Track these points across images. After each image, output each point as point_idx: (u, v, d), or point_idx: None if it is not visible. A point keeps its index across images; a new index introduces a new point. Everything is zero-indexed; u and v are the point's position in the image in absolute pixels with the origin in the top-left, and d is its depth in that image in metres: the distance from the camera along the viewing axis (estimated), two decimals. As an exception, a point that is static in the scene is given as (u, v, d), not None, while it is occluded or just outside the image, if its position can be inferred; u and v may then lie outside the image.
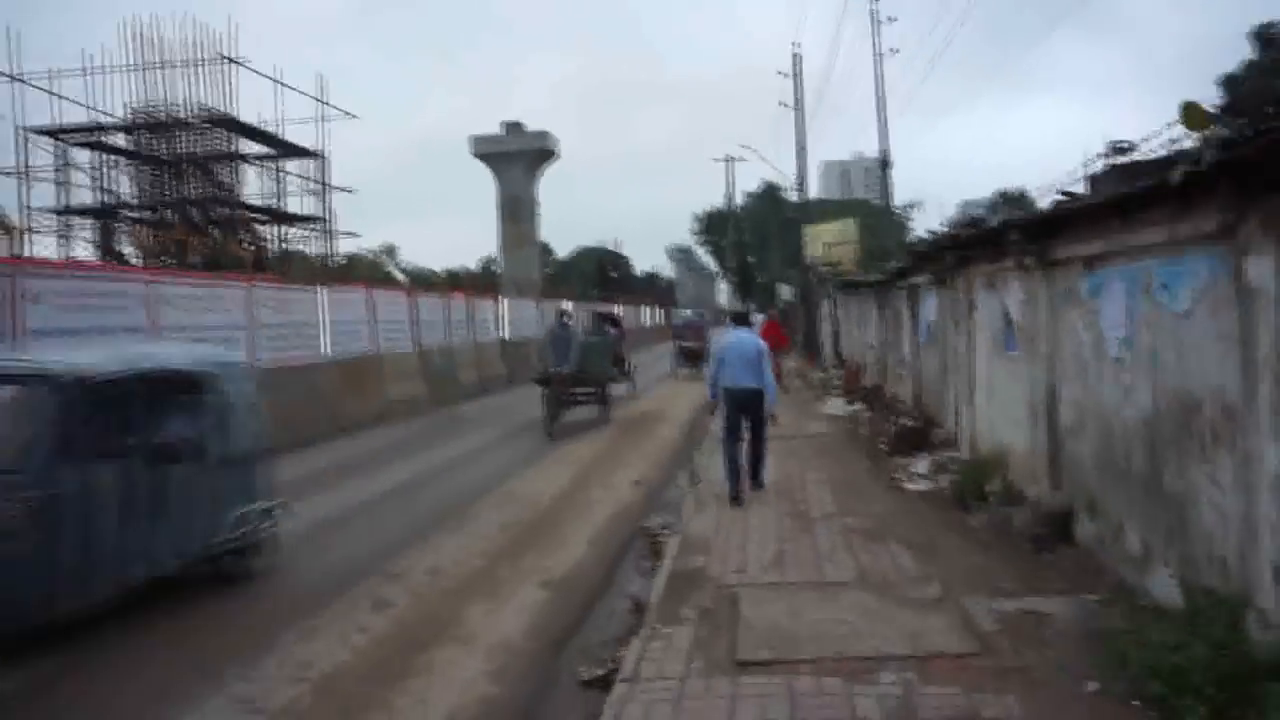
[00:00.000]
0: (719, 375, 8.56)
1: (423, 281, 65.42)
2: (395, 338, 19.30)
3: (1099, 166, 6.28)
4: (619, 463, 11.87)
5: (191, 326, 12.37)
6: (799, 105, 29.66)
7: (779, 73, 31.86)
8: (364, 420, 16.60)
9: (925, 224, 53.31)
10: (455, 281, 72.85)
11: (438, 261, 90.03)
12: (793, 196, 55.02)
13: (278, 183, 24.39)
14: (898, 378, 13.29)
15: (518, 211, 55.38)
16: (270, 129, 24.31)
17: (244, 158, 23.99)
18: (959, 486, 8.12)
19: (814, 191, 31.64)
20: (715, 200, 78.30)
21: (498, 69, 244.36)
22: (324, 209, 25.66)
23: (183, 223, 21.91)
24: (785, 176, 34.86)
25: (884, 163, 27.13)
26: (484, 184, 58.04)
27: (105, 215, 22.78)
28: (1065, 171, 13.26)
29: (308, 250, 26.09)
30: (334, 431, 15.39)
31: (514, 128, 55.14)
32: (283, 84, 23.21)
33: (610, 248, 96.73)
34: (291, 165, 25.60)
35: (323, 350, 15.79)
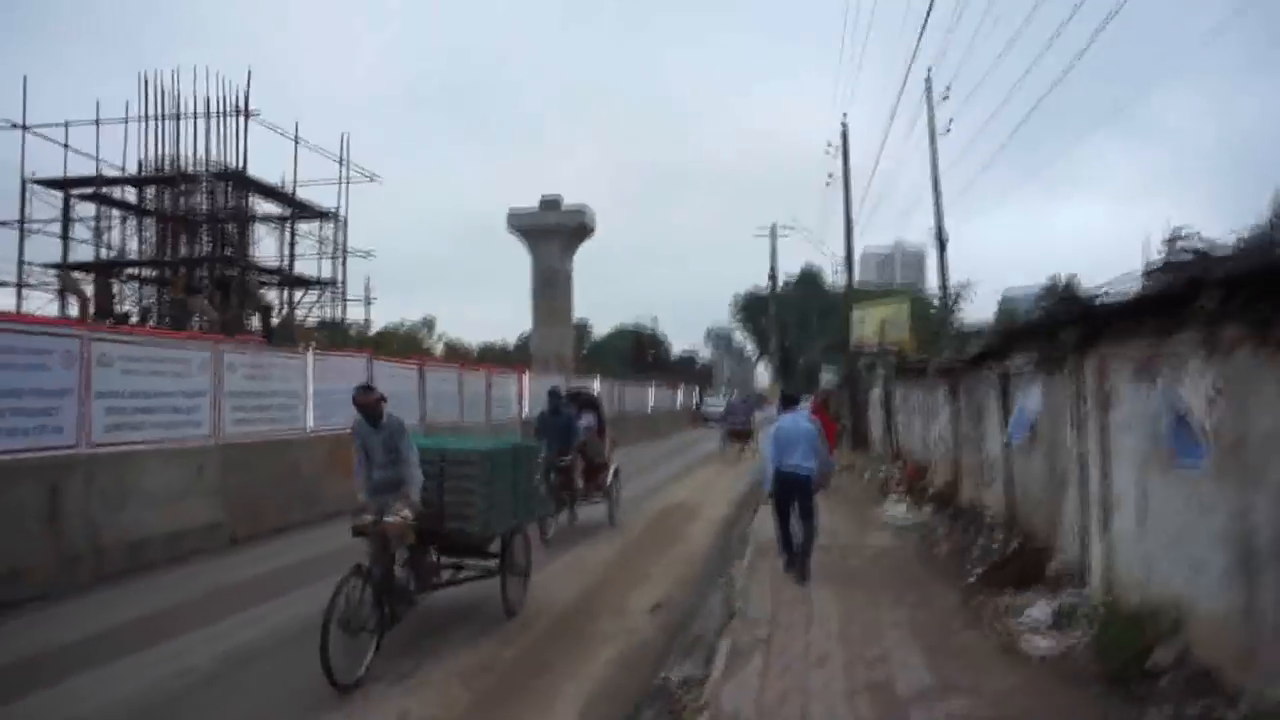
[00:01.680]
0: (775, 457, 8.79)
1: (460, 356, 64.36)
2: (397, 410, 17.32)
3: (1159, 255, 5.85)
4: (634, 577, 9.60)
5: (139, 392, 10.49)
6: (847, 179, 27.93)
7: (827, 146, 30.35)
8: (353, 504, 14.52)
9: (973, 313, 51.11)
10: (490, 356, 71.89)
11: (475, 336, 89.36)
12: (833, 280, 53.18)
13: (290, 244, 22.93)
14: (979, 482, 10.93)
15: (552, 287, 54.14)
16: (287, 190, 23.05)
17: (254, 217, 22.64)
18: (1103, 650, 5.77)
19: (855, 277, 29.72)
20: (756, 281, 76.95)
21: (538, 150, 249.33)
22: (337, 272, 24.13)
23: (183, 282, 20.39)
24: (828, 252, 32.91)
25: (941, 241, 25.07)
26: (522, 260, 57.23)
27: (104, 270, 21.39)
28: (1108, 264, 11.13)
29: (314, 315, 24.53)
30: (313, 517, 13.34)
31: (551, 203, 54.34)
32: (300, 141, 21.98)
33: (647, 327, 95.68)
34: (308, 228, 24.24)
35: (305, 424, 13.84)
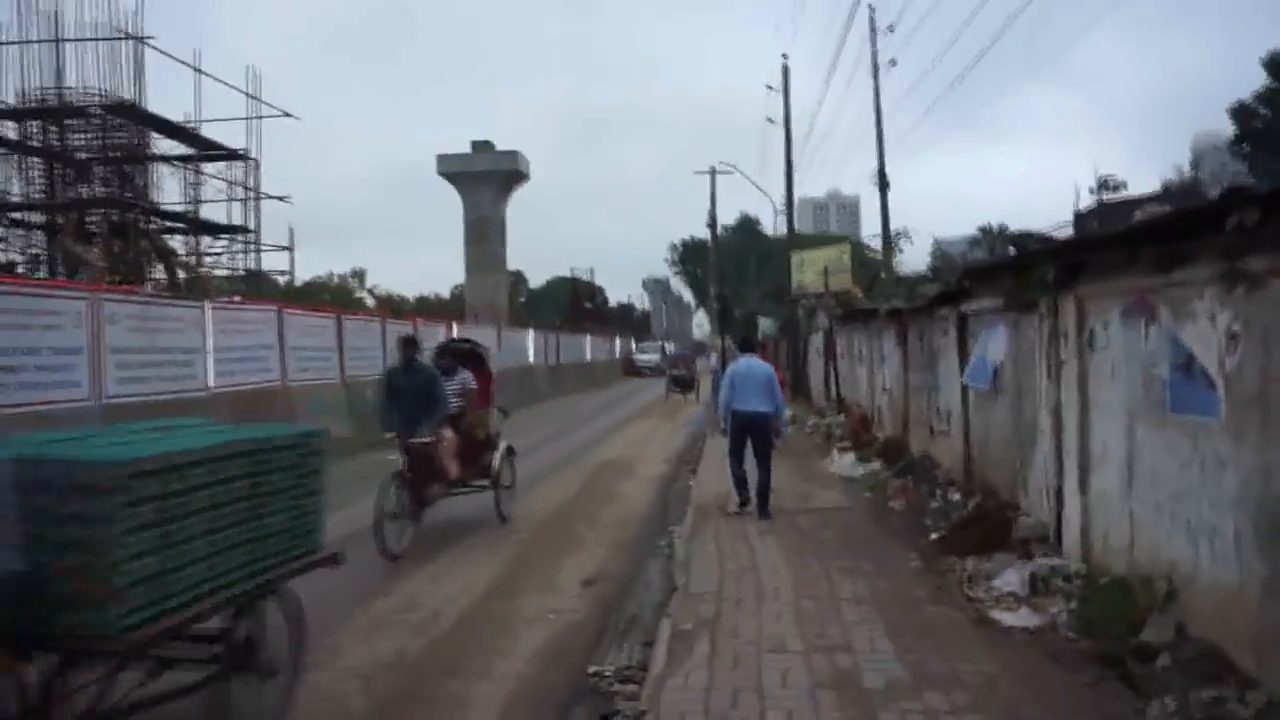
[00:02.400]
0: (730, 399, 9.02)
1: (393, 308, 62.25)
2: (314, 367, 16.15)
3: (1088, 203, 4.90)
4: (566, 545, 8.79)
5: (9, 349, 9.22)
6: (787, 120, 27.03)
7: (767, 88, 29.28)
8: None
9: (908, 261, 51.13)
10: (425, 308, 69.74)
11: (410, 288, 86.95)
12: (773, 227, 52.56)
13: (195, 186, 21.10)
14: (933, 434, 10.34)
15: (485, 234, 52.32)
16: (190, 127, 21.21)
17: (153, 156, 20.76)
18: (1088, 623, 5.15)
19: (787, 235, 29.12)
20: (694, 230, 76.11)
21: (470, 94, 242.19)
22: (250, 218, 22.42)
23: (74, 227, 18.58)
24: (769, 197, 32.02)
25: (883, 183, 24.48)
26: (455, 208, 55.10)
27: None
28: (1037, 212, 10.60)
29: (226, 265, 22.82)
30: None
31: (482, 146, 52.27)
32: (203, 73, 20.12)
33: (584, 277, 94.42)
34: (216, 170, 22.42)
35: (205, 381, 12.61)
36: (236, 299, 18.37)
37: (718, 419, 9.18)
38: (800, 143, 30.53)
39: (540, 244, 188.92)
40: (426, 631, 6.18)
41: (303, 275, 70.79)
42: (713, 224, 44.44)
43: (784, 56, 28.19)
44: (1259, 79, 33.73)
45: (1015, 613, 5.52)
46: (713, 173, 40.36)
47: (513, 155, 52.12)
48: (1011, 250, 7.44)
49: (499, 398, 10.51)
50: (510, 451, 9.98)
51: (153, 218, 21.19)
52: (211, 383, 12.67)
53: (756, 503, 8.95)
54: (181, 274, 21.29)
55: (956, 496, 8.43)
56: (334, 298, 63.46)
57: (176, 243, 21.92)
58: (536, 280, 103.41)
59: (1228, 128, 34.05)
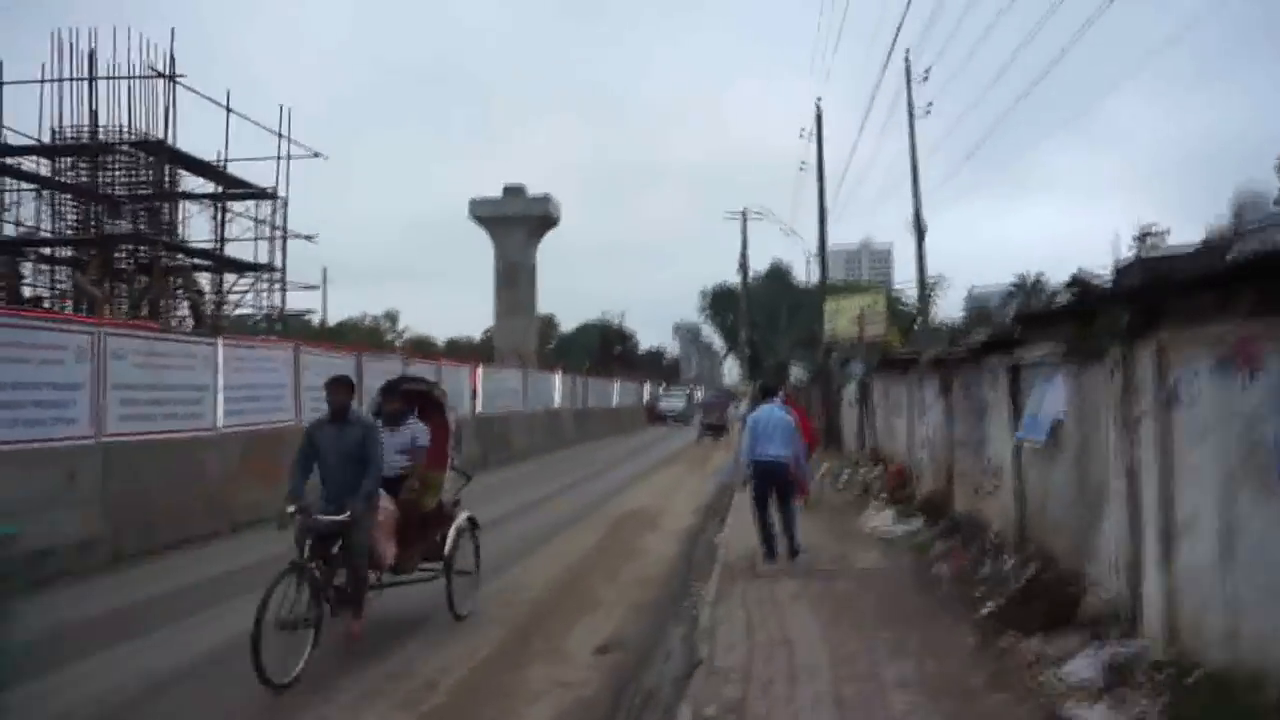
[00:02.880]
0: (751, 447, 8.94)
1: (423, 350, 62.15)
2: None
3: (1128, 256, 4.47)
4: (582, 605, 8.10)
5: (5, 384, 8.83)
6: (820, 162, 26.58)
7: (800, 131, 28.90)
8: (272, 511, 12.86)
9: (942, 311, 50.20)
10: (456, 351, 69.64)
11: (441, 330, 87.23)
12: (804, 277, 51.89)
13: (221, 223, 20.99)
14: (979, 492, 9.56)
15: (515, 279, 52.44)
16: (218, 165, 21.19)
17: (180, 194, 20.71)
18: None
19: (819, 281, 28.54)
20: (725, 277, 75.76)
21: (503, 142, 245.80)
22: (275, 256, 22.26)
23: (99, 264, 18.48)
24: (801, 240, 31.42)
25: (919, 229, 23.84)
26: (486, 252, 55.25)
27: (10, 249, 19.39)
28: (1071, 264, 10.02)
29: (250, 303, 22.62)
30: (223, 528, 11.70)
31: (514, 192, 52.61)
32: (232, 111, 20.12)
33: (615, 322, 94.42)
34: (243, 209, 22.36)
35: (213, 421, 12.16)
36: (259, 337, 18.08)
37: (743, 465, 9.15)
38: (833, 188, 30.07)
39: (572, 290, 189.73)
40: (418, 705, 5.53)
41: (335, 316, 71.48)
42: (744, 268, 43.95)
43: (817, 100, 27.78)
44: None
45: (1093, 709, 4.75)
46: (744, 216, 40.01)
47: (544, 200, 52.40)
48: (1071, 293, 6.75)
49: (463, 450, 8.41)
50: (473, 525, 7.64)
51: (179, 255, 21.09)
52: (220, 422, 12.22)
53: (787, 543, 8.92)
54: (209, 311, 21.13)
55: (1010, 563, 7.63)
56: (366, 339, 63.61)
57: (203, 281, 21.77)
58: (568, 325, 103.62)
59: (1273, 181, 33.03)
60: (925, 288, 24.10)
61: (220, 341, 12.49)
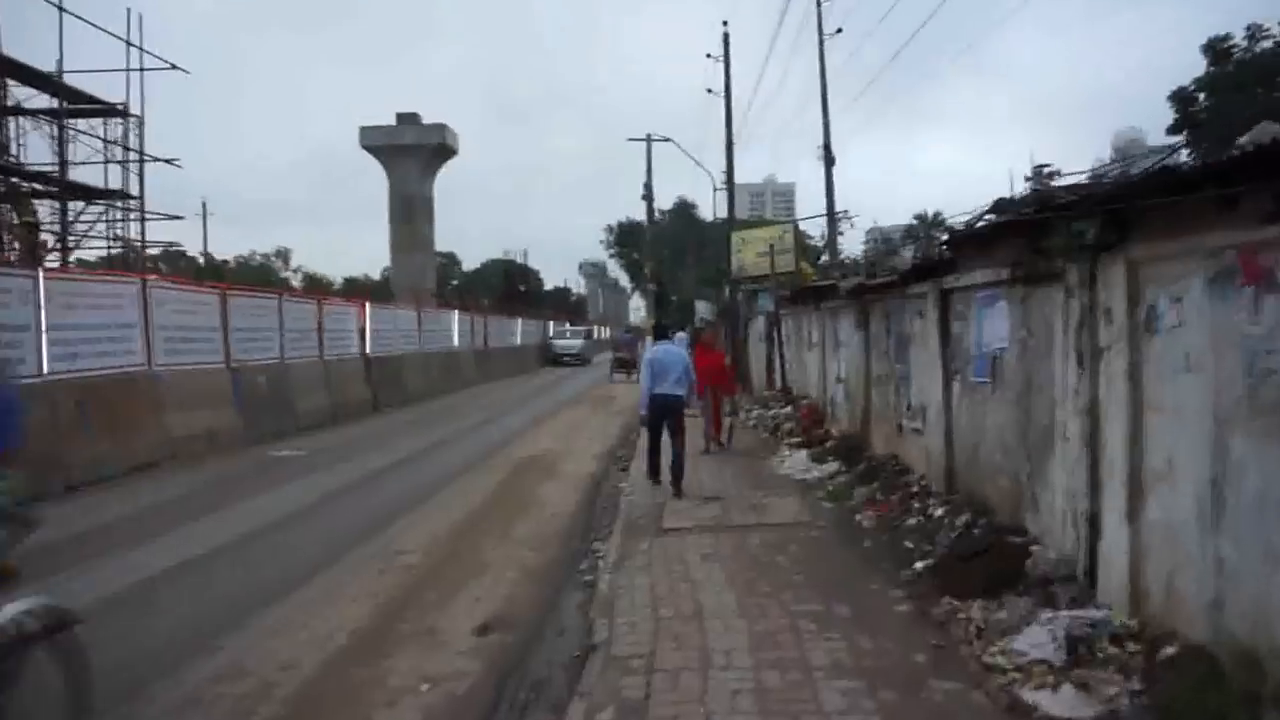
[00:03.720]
0: (650, 383, 9.40)
1: (320, 289, 58.86)
2: (189, 350, 14.02)
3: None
4: (465, 570, 7.06)
5: None
6: (728, 88, 25.47)
7: (707, 55, 27.68)
8: (121, 467, 11.37)
9: (846, 247, 50.24)
10: (355, 290, 66.32)
11: (338, 269, 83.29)
12: (710, 213, 51.09)
13: (61, 142, 18.45)
14: (902, 432, 8.88)
15: (411, 212, 49.74)
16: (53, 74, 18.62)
17: (16, 109, 18.12)
18: (1166, 716, 3.66)
19: (727, 211, 27.59)
20: (632, 214, 74.55)
21: (397, 69, 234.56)
22: (131, 183, 19.91)
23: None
24: (708, 172, 30.29)
25: (828, 158, 23.12)
26: (381, 186, 52.14)
27: None
28: (973, 201, 9.42)
29: (105, 235, 20.23)
30: (54, 491, 10.15)
31: (408, 119, 49.63)
32: (64, 10, 17.54)
33: (519, 260, 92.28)
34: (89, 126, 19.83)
35: (35, 365, 10.47)
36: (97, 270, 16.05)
37: (642, 401, 9.60)
38: (740, 117, 29.03)
39: (474, 226, 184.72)
40: (247, 716, 4.42)
41: (219, 254, 67.16)
42: (648, 195, 42.57)
43: (724, 24, 26.52)
44: (1199, 66, 33.38)
45: (1057, 694, 4.00)
46: (648, 140, 38.60)
47: (440, 129, 49.62)
48: (1023, 205, 5.88)
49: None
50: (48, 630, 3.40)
51: (11, 178, 18.59)
52: (45, 368, 10.53)
53: (673, 481, 9.28)
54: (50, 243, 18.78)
55: (939, 512, 6.94)
56: (255, 280, 59.96)
57: (41, 210, 19.30)
58: (470, 263, 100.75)
59: (1161, 120, 33.48)
60: (834, 218, 23.47)
61: (40, 273, 10.69)
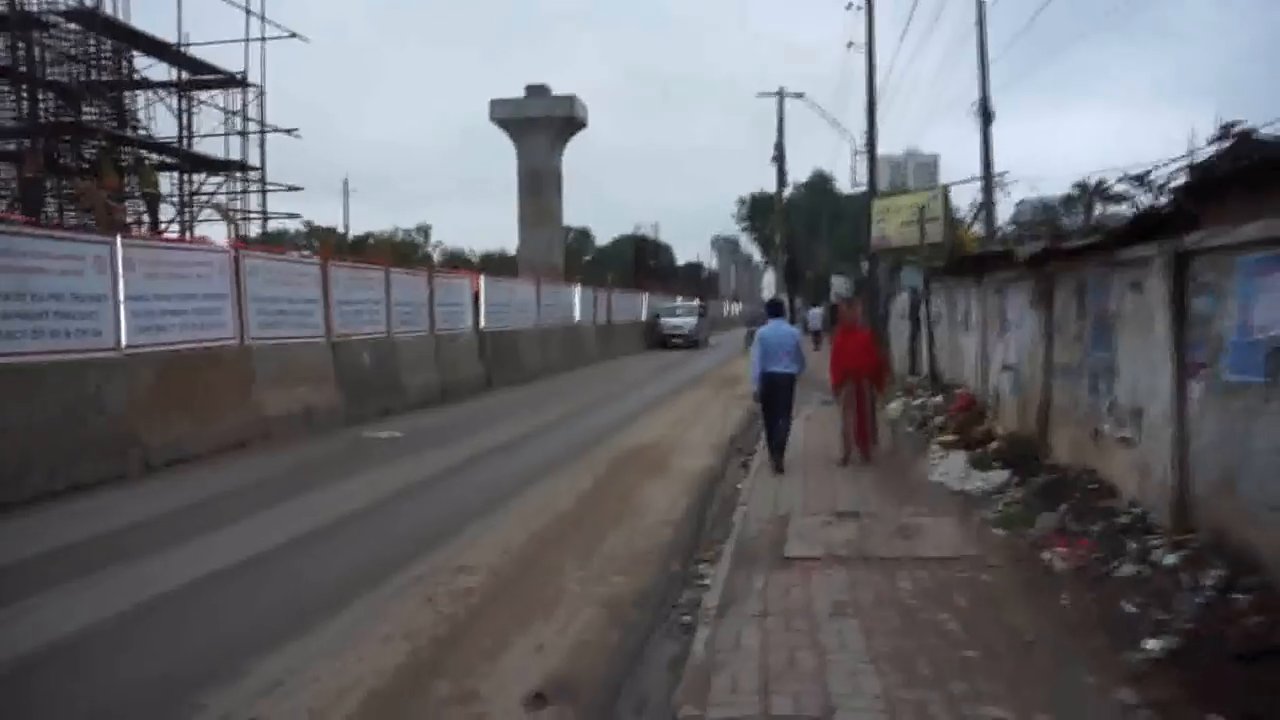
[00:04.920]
0: (762, 362, 9.26)
1: (456, 265, 59.45)
2: (287, 323, 13.30)
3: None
4: (532, 603, 5.65)
5: None
6: (871, 42, 23.06)
7: (847, 6, 25.19)
8: (204, 448, 10.69)
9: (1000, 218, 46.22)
10: (492, 265, 66.77)
11: (476, 244, 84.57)
12: (848, 184, 48.11)
13: (182, 113, 18.31)
14: (1098, 439, 6.88)
15: (539, 186, 49.21)
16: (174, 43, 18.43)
17: (142, 82, 18.05)
18: None
19: (867, 177, 25.10)
20: (762, 186, 72.05)
21: (531, 50, 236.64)
22: (251, 153, 19.66)
23: (32, 159, 16.03)
24: (847, 134, 27.81)
25: (985, 114, 20.51)
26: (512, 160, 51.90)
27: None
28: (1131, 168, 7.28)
29: (226, 203, 20.07)
30: (128, 472, 9.51)
31: (537, 91, 48.99)
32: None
33: (651, 235, 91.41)
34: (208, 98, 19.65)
35: (113, 339, 9.81)
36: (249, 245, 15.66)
37: (754, 380, 9.40)
38: (879, 83, 26.42)
39: (608, 202, 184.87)
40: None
41: (356, 230, 69.13)
42: (779, 156, 40.02)
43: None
44: None
45: None
46: (780, 95, 36.18)
47: (569, 100, 48.69)
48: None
49: None
50: None
51: (139, 150, 18.58)
52: (123, 341, 9.86)
53: (771, 452, 9.29)
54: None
55: (1169, 559, 5.01)
56: (398, 256, 61.26)
57: (164, 181, 19.26)
58: (604, 239, 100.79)
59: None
60: (991, 181, 20.83)
61: (119, 240, 10.00)
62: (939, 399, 12.61)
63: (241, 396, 11.90)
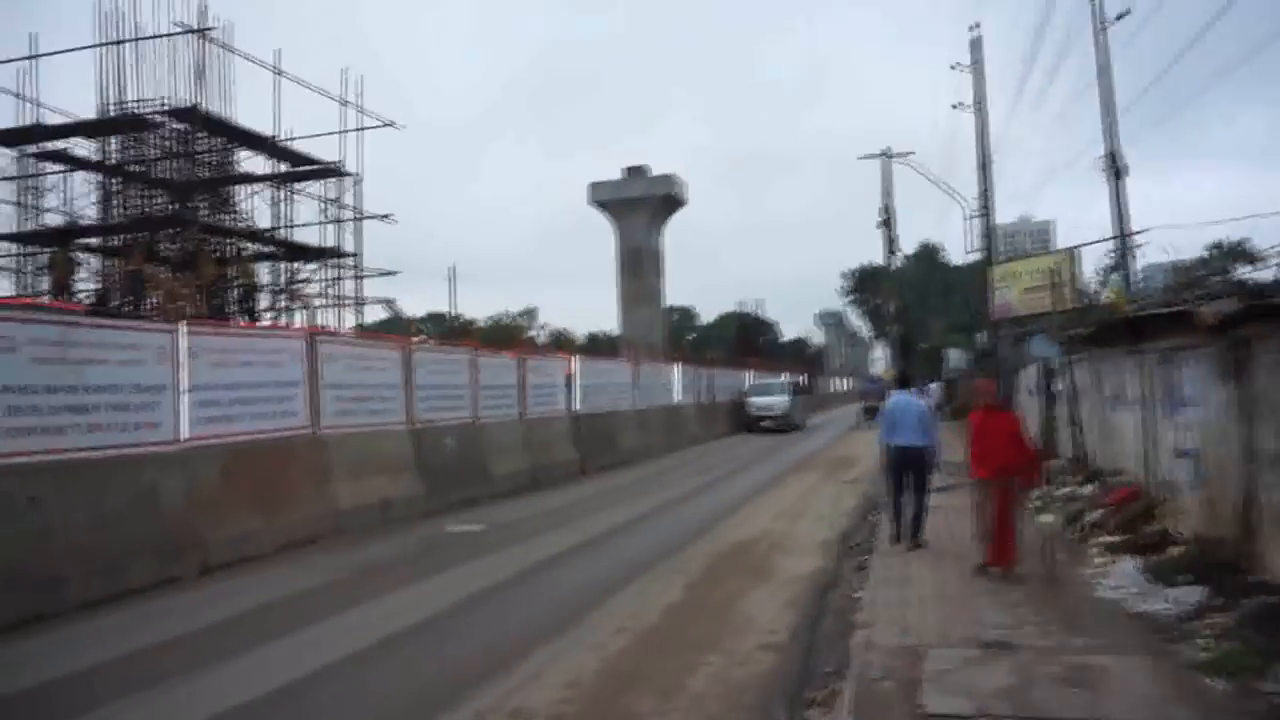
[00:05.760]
0: (888, 435, 9.17)
1: (562, 346, 59.87)
2: (365, 410, 12.68)
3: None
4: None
5: None
6: (980, 98, 21.73)
7: (951, 67, 24.00)
8: (269, 545, 9.98)
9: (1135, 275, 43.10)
10: (597, 346, 66.97)
11: (579, 325, 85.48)
12: (955, 257, 45.84)
13: (280, 203, 18.54)
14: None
15: (638, 265, 49.17)
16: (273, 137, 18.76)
17: (243, 177, 18.40)
18: None
19: (982, 242, 23.36)
20: (867, 259, 70.31)
21: (622, 131, 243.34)
22: (344, 240, 19.69)
23: (145, 250, 16.31)
24: (958, 197, 26.32)
25: (1115, 166, 18.77)
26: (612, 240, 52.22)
27: (60, 240, 17.57)
28: (1259, 229, 5.36)
29: (320, 290, 20.13)
30: (185, 574, 8.82)
31: (636, 172, 49.32)
32: (282, 74, 17.60)
33: (753, 312, 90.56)
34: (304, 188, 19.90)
35: (172, 431, 9.25)
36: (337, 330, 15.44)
37: (880, 451, 9.33)
38: (991, 144, 24.90)
39: (711, 280, 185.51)
40: None
41: (469, 315, 70.52)
42: (886, 220, 38.33)
43: (973, 27, 22.86)
44: None
45: None
46: (885, 156, 34.85)
47: (667, 179, 48.88)
48: None
49: None
50: None
51: (241, 241, 18.82)
52: (184, 433, 9.31)
53: (910, 532, 8.98)
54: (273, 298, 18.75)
55: None
56: (504, 340, 62.16)
57: (263, 271, 19.47)
58: (708, 317, 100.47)
59: None
60: (1126, 240, 18.92)
61: (182, 327, 9.54)
62: (1089, 489, 10.81)
63: (313, 489, 11.22)
